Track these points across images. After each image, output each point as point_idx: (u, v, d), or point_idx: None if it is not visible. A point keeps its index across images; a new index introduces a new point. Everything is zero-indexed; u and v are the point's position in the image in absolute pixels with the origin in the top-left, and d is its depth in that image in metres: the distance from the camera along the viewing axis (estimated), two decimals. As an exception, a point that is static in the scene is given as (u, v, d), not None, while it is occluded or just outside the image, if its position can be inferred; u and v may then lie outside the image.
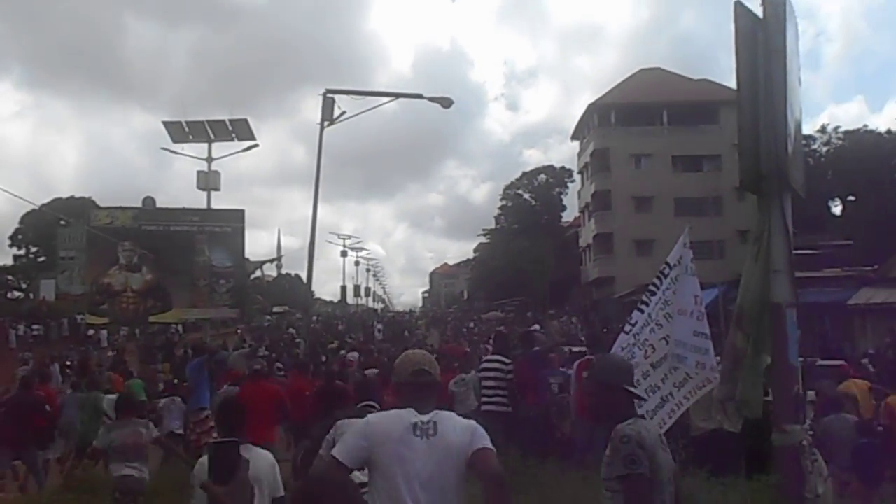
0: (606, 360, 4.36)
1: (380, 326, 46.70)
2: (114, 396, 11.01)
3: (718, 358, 6.79)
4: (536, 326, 34.49)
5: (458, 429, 3.60)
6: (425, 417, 3.58)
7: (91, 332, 40.62)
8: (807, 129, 57.52)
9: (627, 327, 7.48)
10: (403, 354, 4.04)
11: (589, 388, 4.23)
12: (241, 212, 32.85)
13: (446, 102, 21.24)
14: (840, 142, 58.74)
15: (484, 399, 11.20)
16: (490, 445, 3.56)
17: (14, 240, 72.68)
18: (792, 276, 5.47)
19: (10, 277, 69.61)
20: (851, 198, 56.46)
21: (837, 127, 60.46)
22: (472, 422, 3.72)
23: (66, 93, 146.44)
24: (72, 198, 70.31)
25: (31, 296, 61.71)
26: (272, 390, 10.68)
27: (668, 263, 7.41)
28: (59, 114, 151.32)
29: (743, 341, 5.57)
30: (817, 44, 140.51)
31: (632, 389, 3.89)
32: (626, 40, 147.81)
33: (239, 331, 41.33)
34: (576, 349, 17.27)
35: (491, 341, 17.14)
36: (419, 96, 21.71)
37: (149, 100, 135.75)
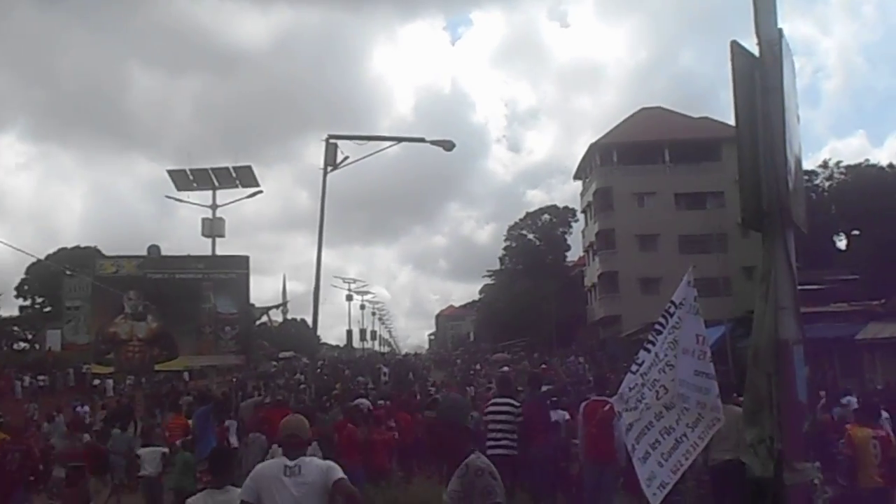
0: (447, 399, 5.12)
1: (385, 370, 46.58)
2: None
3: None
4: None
5: (317, 468, 5.35)
6: (292, 463, 5.31)
7: (97, 381, 40.49)
8: (809, 165, 57.89)
9: (634, 367, 7.43)
10: (284, 420, 5.82)
11: (434, 427, 4.71)
12: (246, 258, 32.95)
13: (448, 145, 21.35)
14: (842, 176, 58.90)
15: (491, 442, 11.01)
16: (342, 475, 5.32)
17: (20, 290, 72.86)
18: (798, 312, 5.43)
19: (15, 328, 69.68)
20: (856, 232, 56.45)
21: (839, 162, 60.80)
22: (330, 462, 5.60)
23: (71, 143, 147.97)
24: (77, 248, 70.71)
25: (37, 346, 61.70)
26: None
27: (673, 302, 7.38)
28: (64, 164, 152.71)
29: (763, 381, 5.51)
30: (816, 80, 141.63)
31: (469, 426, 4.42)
32: (626, 80, 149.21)
33: (235, 379, 40.96)
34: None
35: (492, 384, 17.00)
36: (422, 140, 21.83)
37: (153, 149, 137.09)
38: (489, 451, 10.83)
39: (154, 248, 33.23)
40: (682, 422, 7.06)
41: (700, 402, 6.95)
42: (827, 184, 59.09)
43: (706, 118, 61.07)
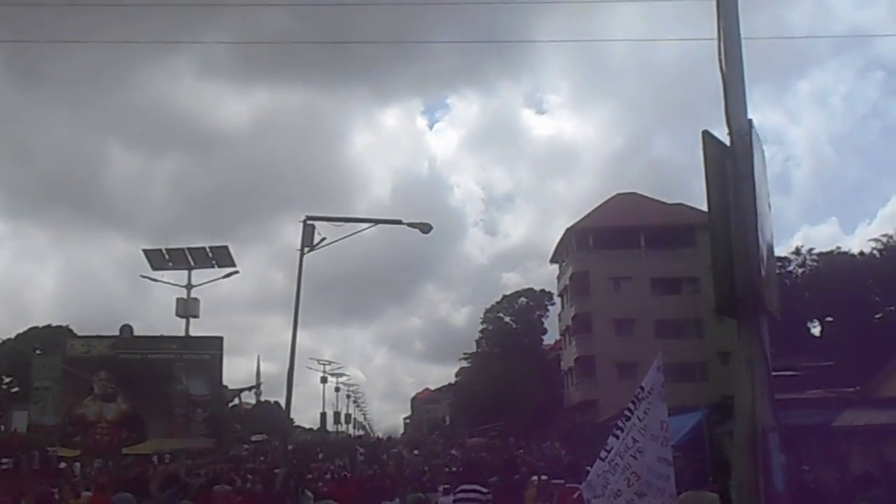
0: None
1: (362, 451, 46.29)
2: None
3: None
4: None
5: None
6: None
7: (63, 464, 39.43)
8: (782, 251, 58.57)
9: (603, 453, 7.36)
10: None
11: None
12: (220, 339, 32.65)
13: (425, 228, 21.51)
14: (815, 263, 59.62)
15: None
16: None
17: (-13, 369, 71.47)
18: (773, 398, 5.43)
19: (-19, 409, 68.06)
20: (829, 318, 56.89)
21: (811, 249, 61.60)
22: None
23: (45, 221, 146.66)
24: (48, 326, 69.68)
25: (3, 427, 60.23)
26: None
27: (642, 388, 7.37)
28: (38, 242, 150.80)
29: (751, 470, 5.45)
30: (787, 168, 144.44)
31: None
32: (602, 165, 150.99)
33: (211, 464, 39.97)
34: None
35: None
36: (398, 222, 22.00)
37: (129, 227, 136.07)
38: None
39: (126, 328, 32.89)
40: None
41: (660, 489, 6.89)
42: (800, 270, 59.75)
43: (681, 204, 61.93)
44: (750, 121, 5.42)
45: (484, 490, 11.09)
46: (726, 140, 5.54)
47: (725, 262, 5.21)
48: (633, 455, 7.08)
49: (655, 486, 6.86)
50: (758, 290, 5.22)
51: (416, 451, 27.04)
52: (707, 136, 5.34)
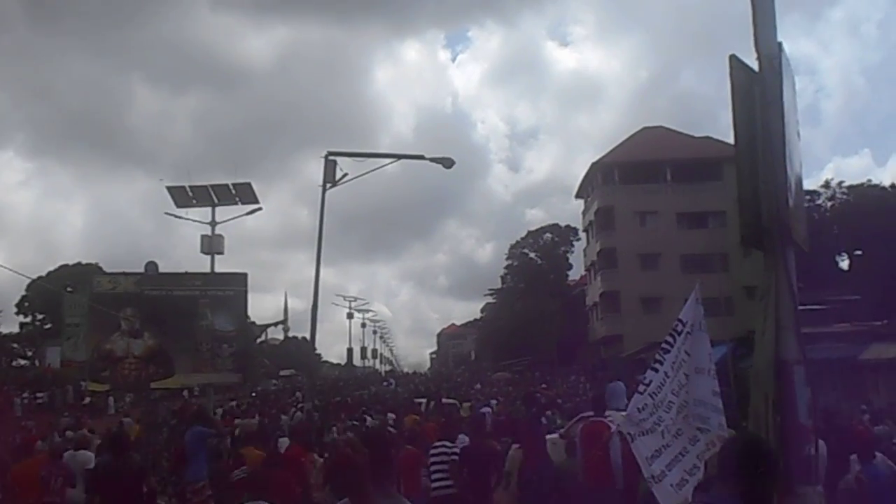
0: None
1: (393, 381, 47.63)
2: None
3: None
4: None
5: None
6: None
7: (87, 399, 40.45)
8: (811, 185, 57.81)
9: (642, 387, 7.25)
10: None
11: None
12: (244, 275, 32.74)
13: (447, 163, 21.33)
14: (845, 196, 58.81)
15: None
16: None
17: (21, 307, 72.81)
18: (799, 331, 5.29)
19: (15, 345, 69.56)
20: (858, 252, 56.30)
21: (841, 182, 60.67)
22: None
23: (70, 159, 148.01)
24: (79, 264, 70.75)
25: (37, 363, 61.58)
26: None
27: (680, 320, 7.23)
28: (63, 181, 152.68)
29: (762, 403, 5.35)
30: (818, 99, 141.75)
31: None
32: (627, 99, 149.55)
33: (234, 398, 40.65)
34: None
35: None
36: (421, 157, 21.82)
37: (152, 164, 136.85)
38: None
39: (151, 265, 33.09)
40: (692, 450, 6.89)
41: (720, 424, 6.80)
42: (829, 204, 58.99)
43: (708, 138, 61.03)
44: (780, 44, 5.18)
45: (450, 444, 11.29)
46: (755, 66, 5.31)
47: (751, 191, 5.04)
48: (687, 391, 6.98)
49: (715, 420, 6.78)
50: (785, 221, 5.06)
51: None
52: (734, 61, 5.13)
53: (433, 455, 11.30)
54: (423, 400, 30.76)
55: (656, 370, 7.09)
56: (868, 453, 9.11)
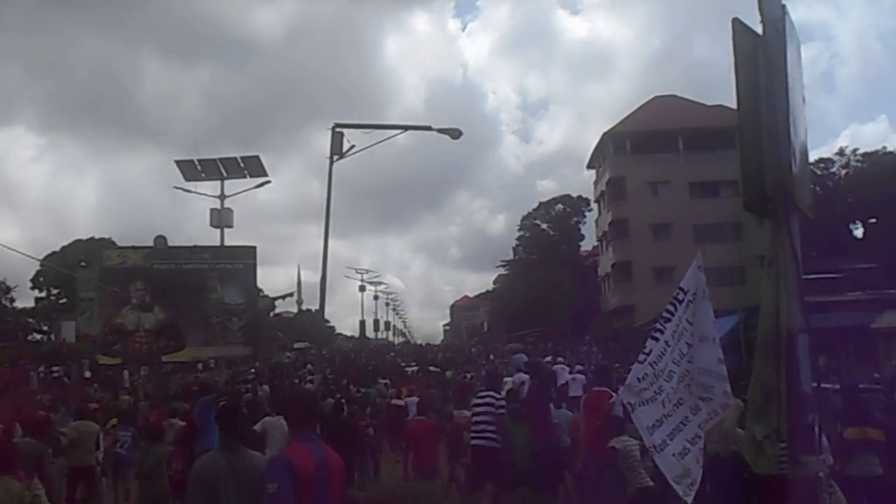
0: None
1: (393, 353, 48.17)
2: None
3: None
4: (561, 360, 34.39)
5: None
6: None
7: (88, 375, 40.77)
8: (826, 153, 57.26)
9: (642, 356, 7.19)
10: None
11: None
12: (253, 248, 32.82)
13: (455, 134, 21.21)
14: (859, 164, 58.29)
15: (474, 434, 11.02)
16: None
17: (35, 282, 73.30)
18: (802, 299, 5.22)
19: (31, 319, 70.08)
20: (872, 220, 55.90)
21: (856, 149, 60.15)
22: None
23: (80, 133, 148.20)
24: (92, 239, 71.06)
25: (53, 337, 62.02)
26: None
27: (681, 289, 7.16)
28: (74, 154, 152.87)
29: (772, 370, 5.29)
30: (832, 66, 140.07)
31: None
32: (639, 68, 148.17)
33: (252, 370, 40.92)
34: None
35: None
36: (428, 128, 21.71)
37: (161, 138, 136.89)
38: (473, 442, 10.84)
39: (160, 239, 33.22)
40: (695, 417, 6.85)
41: (725, 392, 6.75)
42: (843, 171, 58.48)
43: (720, 106, 60.28)
44: (783, 6, 5.06)
45: (498, 395, 11.16)
46: (758, 29, 5.20)
47: (755, 156, 4.95)
48: (689, 360, 6.92)
49: (720, 389, 6.73)
50: (788, 187, 4.97)
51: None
52: (737, 24, 5.02)
53: (477, 406, 11.20)
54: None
55: (657, 339, 7.02)
56: None
